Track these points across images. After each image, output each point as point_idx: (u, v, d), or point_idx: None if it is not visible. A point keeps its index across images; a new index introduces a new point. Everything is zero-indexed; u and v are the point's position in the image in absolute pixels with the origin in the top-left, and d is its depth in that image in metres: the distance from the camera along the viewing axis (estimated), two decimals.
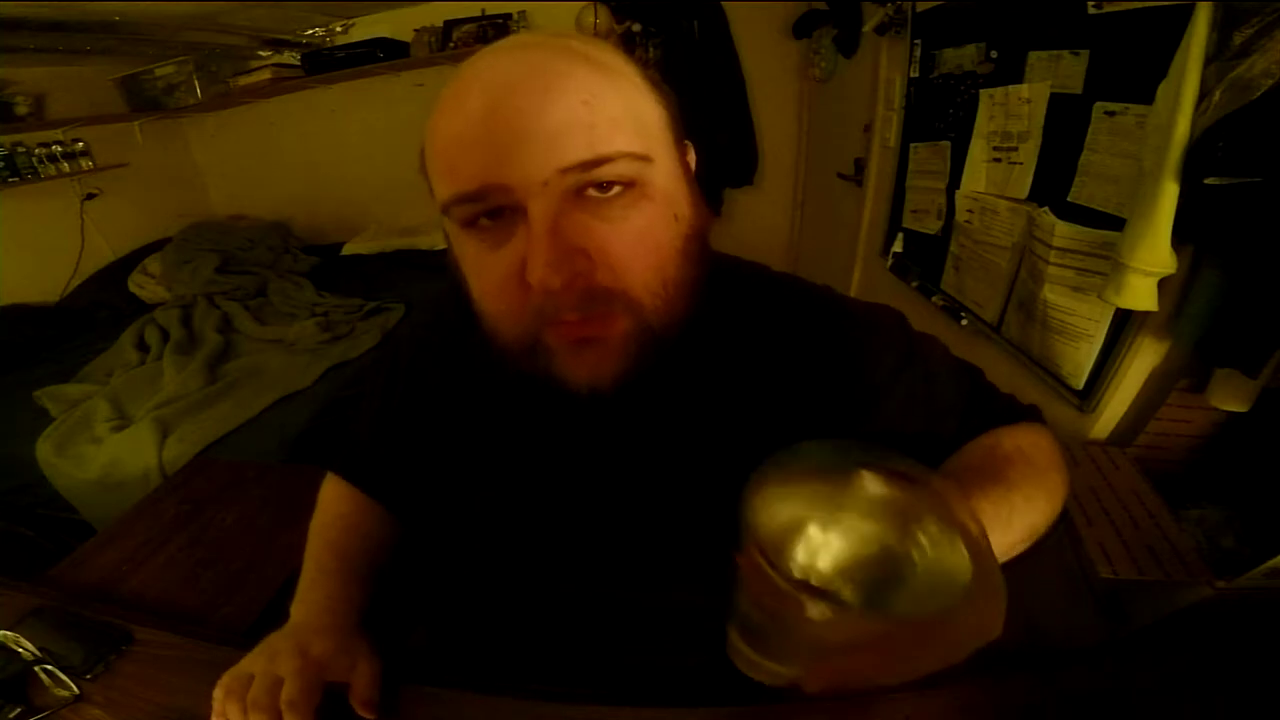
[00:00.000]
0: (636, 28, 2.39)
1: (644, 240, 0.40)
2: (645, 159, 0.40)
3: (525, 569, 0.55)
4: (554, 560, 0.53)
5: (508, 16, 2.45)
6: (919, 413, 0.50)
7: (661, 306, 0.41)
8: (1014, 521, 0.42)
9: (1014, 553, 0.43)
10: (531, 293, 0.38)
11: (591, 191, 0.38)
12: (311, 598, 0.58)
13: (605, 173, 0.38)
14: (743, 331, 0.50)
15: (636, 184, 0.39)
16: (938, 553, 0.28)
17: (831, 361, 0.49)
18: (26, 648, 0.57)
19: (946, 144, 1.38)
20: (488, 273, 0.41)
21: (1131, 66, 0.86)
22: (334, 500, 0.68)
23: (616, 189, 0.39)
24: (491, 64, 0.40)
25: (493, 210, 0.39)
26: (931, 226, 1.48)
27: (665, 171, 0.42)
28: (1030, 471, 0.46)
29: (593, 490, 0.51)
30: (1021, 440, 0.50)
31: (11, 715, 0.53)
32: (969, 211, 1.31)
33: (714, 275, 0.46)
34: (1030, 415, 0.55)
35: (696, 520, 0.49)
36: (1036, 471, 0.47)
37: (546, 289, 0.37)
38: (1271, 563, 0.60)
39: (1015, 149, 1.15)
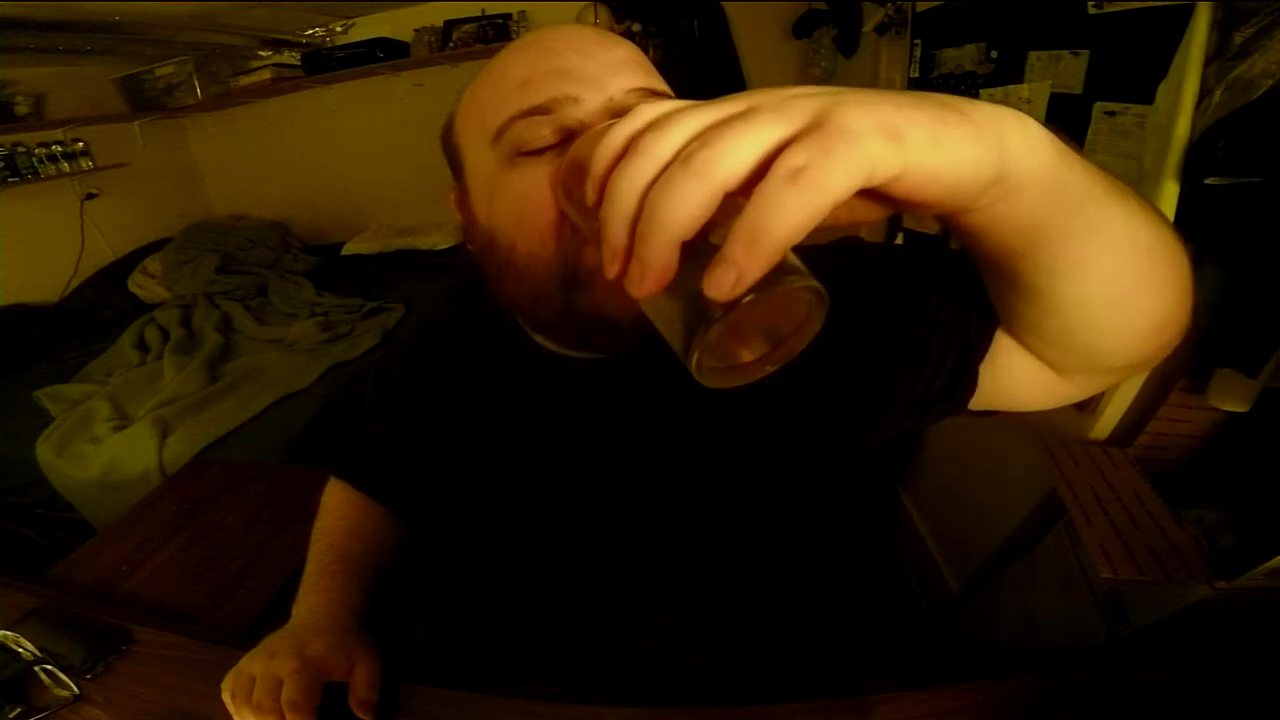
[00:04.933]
0: (636, 28, 2.39)
1: None
2: None
3: (526, 563, 0.55)
4: (555, 553, 0.53)
5: (508, 16, 2.44)
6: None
7: None
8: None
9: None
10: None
11: None
12: (311, 599, 0.58)
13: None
14: None
15: None
16: None
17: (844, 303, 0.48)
18: (26, 648, 0.57)
19: None
20: (535, 190, 0.40)
21: (1131, 66, 0.86)
22: (336, 503, 0.68)
23: None
24: (548, 28, 0.44)
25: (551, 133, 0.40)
26: (932, 226, 1.48)
27: None
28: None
29: (595, 476, 0.51)
30: None
31: (11, 715, 0.53)
32: None
33: None
34: None
35: (702, 506, 0.49)
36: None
37: None
38: (1271, 563, 0.60)
39: None
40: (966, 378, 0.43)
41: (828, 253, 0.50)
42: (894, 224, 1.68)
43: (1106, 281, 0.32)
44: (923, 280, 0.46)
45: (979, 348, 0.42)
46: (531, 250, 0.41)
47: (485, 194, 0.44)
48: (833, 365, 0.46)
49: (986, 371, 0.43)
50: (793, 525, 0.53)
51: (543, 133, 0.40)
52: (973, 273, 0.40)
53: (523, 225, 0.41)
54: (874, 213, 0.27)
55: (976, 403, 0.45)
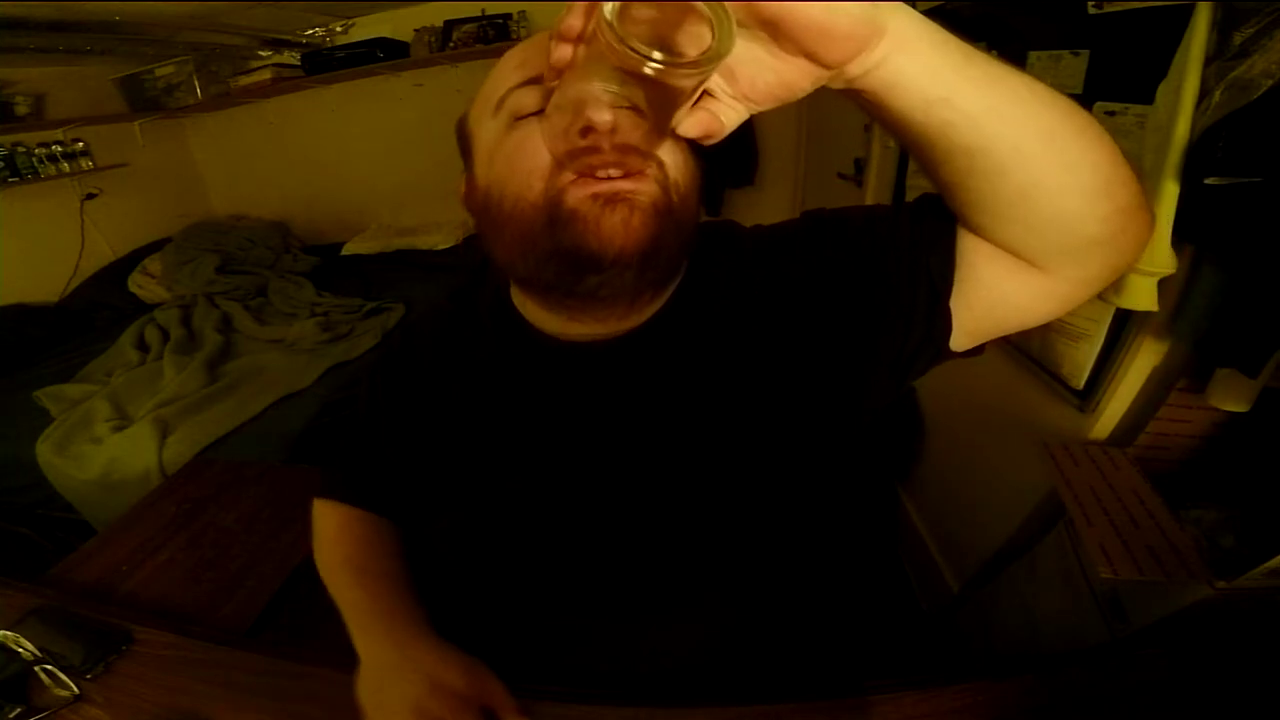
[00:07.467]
0: None
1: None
2: None
3: (526, 559, 0.55)
4: (555, 548, 0.53)
5: (508, 16, 2.45)
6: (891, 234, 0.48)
7: (678, 199, 0.45)
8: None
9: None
10: (573, 144, 0.40)
11: None
12: (396, 635, 0.55)
13: None
14: (717, 279, 0.52)
15: None
16: None
17: (800, 273, 0.50)
18: (26, 648, 0.58)
19: None
20: (528, 140, 0.44)
21: (1131, 66, 0.86)
22: (336, 528, 0.66)
23: None
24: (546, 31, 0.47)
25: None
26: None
27: None
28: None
29: (597, 465, 0.51)
30: None
31: (11, 715, 0.53)
32: None
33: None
34: None
35: (705, 495, 0.49)
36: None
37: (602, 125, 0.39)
38: (1271, 563, 0.60)
39: None
40: (941, 317, 0.45)
41: (788, 229, 0.53)
42: None
43: (1028, 123, 0.36)
44: (877, 236, 0.49)
45: (943, 283, 0.44)
46: (520, 193, 0.44)
47: (487, 158, 0.48)
48: (816, 338, 0.48)
49: (970, 290, 0.45)
50: (794, 520, 0.53)
51: (535, 99, 0.44)
52: (930, 210, 0.44)
53: (515, 170, 0.45)
54: (800, 73, 0.34)
55: (969, 331, 0.47)
